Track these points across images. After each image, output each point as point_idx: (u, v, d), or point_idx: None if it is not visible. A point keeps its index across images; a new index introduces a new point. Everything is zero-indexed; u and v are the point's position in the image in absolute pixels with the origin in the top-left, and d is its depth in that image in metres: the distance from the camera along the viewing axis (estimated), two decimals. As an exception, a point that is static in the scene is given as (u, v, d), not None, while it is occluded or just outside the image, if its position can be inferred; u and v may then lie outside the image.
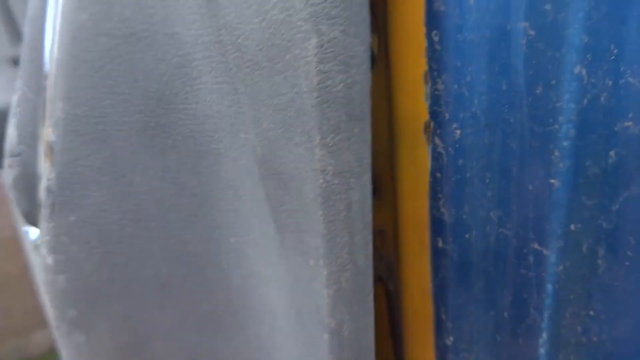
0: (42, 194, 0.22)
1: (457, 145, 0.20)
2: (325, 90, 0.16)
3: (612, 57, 0.17)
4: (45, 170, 0.22)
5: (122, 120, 0.21)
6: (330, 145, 0.17)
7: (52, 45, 0.21)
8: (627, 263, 0.19)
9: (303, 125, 0.17)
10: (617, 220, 0.19)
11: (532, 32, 0.17)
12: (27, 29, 0.25)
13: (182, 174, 0.21)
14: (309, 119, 0.17)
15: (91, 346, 0.23)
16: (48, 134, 0.21)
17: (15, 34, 1.03)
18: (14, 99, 0.24)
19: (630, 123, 0.17)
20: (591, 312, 0.20)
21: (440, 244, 0.22)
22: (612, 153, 0.18)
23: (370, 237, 0.19)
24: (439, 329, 0.24)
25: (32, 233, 0.31)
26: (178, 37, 0.20)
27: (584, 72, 0.17)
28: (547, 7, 0.17)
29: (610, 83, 0.17)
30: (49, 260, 0.21)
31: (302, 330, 0.20)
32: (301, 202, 0.18)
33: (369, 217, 0.18)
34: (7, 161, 0.24)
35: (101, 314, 0.23)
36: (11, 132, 0.24)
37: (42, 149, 0.23)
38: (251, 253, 0.22)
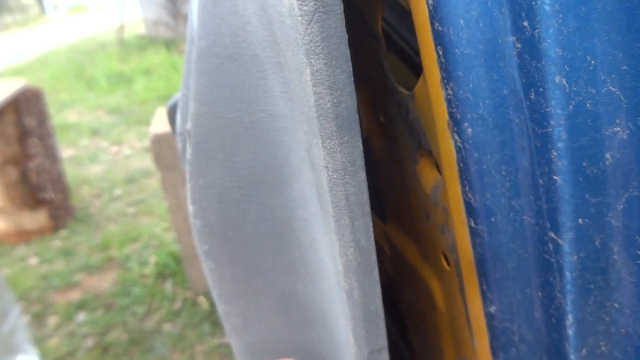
0: (185, 164, 0.32)
1: (470, 142, 0.22)
2: (319, 107, 0.21)
3: (591, 68, 0.17)
4: (188, 148, 0.31)
5: (227, 116, 0.29)
6: (327, 148, 0.21)
7: (189, 56, 0.31)
8: (639, 262, 0.19)
9: (314, 130, 0.22)
10: (624, 220, 0.19)
11: (519, 45, 0.19)
12: (189, 28, 0.34)
13: (267, 157, 0.29)
14: (315, 127, 0.22)
15: (219, 272, 0.33)
16: (188, 123, 0.31)
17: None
18: (180, 94, 0.35)
19: (618, 129, 0.18)
20: (616, 305, 0.21)
21: (472, 223, 0.25)
22: (607, 155, 0.18)
23: (370, 224, 0.23)
24: (484, 298, 0.26)
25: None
26: (258, 57, 0.27)
27: (564, 81, 0.18)
28: (525, 24, 0.18)
29: (593, 91, 0.18)
30: (190, 209, 0.32)
31: (340, 290, 0.26)
32: (322, 189, 0.23)
33: (366, 207, 0.23)
34: (177, 137, 0.35)
35: (222, 250, 0.32)
36: (178, 118, 0.35)
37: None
38: (312, 223, 0.28)
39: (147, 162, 2.85)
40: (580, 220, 0.19)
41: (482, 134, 0.22)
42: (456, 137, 0.23)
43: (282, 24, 0.23)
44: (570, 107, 0.18)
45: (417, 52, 0.31)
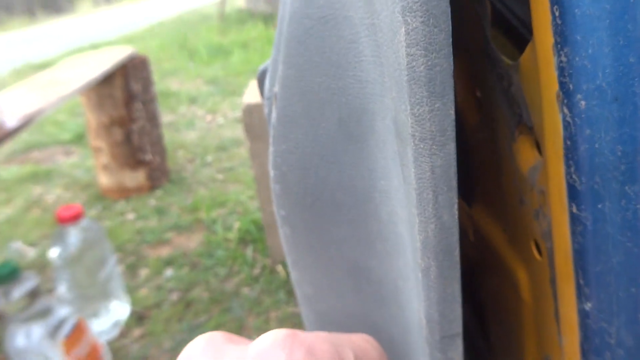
0: (269, 128, 0.32)
1: (583, 116, 0.20)
2: (411, 70, 0.19)
3: None
4: (273, 112, 0.31)
5: (314, 80, 0.28)
6: (416, 115, 0.20)
7: (281, 21, 0.30)
8: None
9: (402, 96, 0.21)
10: None
11: None
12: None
13: (351, 125, 0.28)
14: (404, 93, 0.20)
15: (295, 239, 0.33)
16: (275, 87, 0.31)
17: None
18: (270, 60, 0.34)
19: None
20: None
21: (574, 209, 0.22)
22: None
23: (455, 200, 0.21)
24: (579, 293, 0.24)
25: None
26: (351, 19, 0.25)
27: None
28: None
29: None
30: (271, 173, 0.32)
31: (415, 268, 0.25)
32: (407, 159, 0.22)
33: (453, 181, 0.21)
34: (264, 102, 0.35)
35: (299, 216, 0.32)
36: (267, 82, 0.35)
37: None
38: (393, 195, 0.27)
39: (237, 131, 2.95)
40: None
41: (597, 108, 0.19)
42: (565, 110, 0.20)
43: None
44: None
45: (523, 22, 0.28)
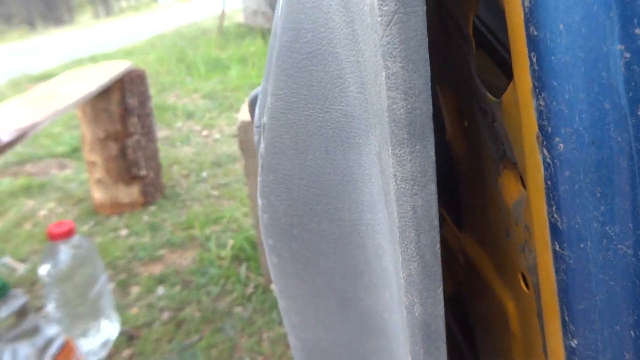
0: (258, 157, 0.32)
1: (562, 158, 0.20)
2: (392, 112, 0.20)
3: None
4: (262, 142, 0.31)
5: (302, 113, 0.28)
6: (398, 155, 0.20)
7: (271, 51, 0.30)
8: None
9: (385, 136, 0.21)
10: None
11: (627, 55, 0.17)
12: (274, 23, 0.34)
13: (337, 157, 0.28)
14: (386, 133, 0.20)
15: (282, 268, 0.33)
16: (263, 117, 0.31)
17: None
18: (260, 88, 0.34)
19: None
20: None
21: (557, 247, 0.22)
22: None
23: (437, 239, 0.21)
24: (565, 329, 0.24)
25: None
26: (337, 55, 0.26)
27: None
28: (637, 31, 0.16)
29: None
30: (259, 201, 0.32)
31: (399, 302, 0.25)
32: (390, 197, 0.22)
33: (435, 221, 0.21)
34: (254, 130, 0.36)
35: (286, 246, 0.32)
36: (257, 111, 0.35)
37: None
38: (378, 229, 0.27)
39: (233, 147, 2.95)
40: None
41: (575, 151, 0.20)
42: (545, 152, 0.21)
43: (362, 23, 0.22)
44: None
45: (509, 52, 0.29)
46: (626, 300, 0.20)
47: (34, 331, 1.17)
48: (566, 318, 0.23)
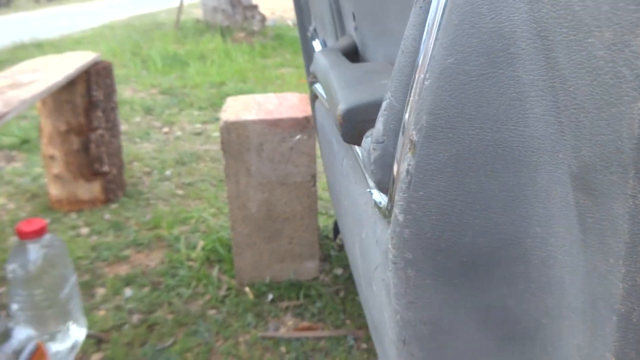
0: (399, 172, 0.32)
1: None
2: None
3: None
4: (406, 157, 0.31)
5: (466, 132, 0.28)
6: None
7: (421, 73, 0.30)
8: None
9: (620, 160, 0.21)
10: None
11: None
12: (406, 42, 0.33)
13: (506, 175, 0.28)
14: (626, 157, 0.21)
15: (417, 280, 0.33)
16: (412, 134, 0.31)
17: (341, 29, 1.19)
18: (383, 104, 0.34)
19: None
20: None
21: None
22: None
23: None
24: None
25: (376, 195, 0.43)
26: (518, 79, 0.26)
27: None
28: None
29: None
30: (400, 217, 0.31)
31: (591, 309, 0.26)
32: (609, 214, 0.23)
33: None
34: (372, 145, 0.35)
35: (428, 259, 0.32)
36: (378, 126, 0.34)
37: (402, 143, 0.32)
38: (553, 242, 0.27)
39: (196, 146, 2.88)
40: None
41: None
42: None
43: (574, 52, 0.22)
44: None
45: None
46: None
47: (5, 335, 1.10)
48: None
